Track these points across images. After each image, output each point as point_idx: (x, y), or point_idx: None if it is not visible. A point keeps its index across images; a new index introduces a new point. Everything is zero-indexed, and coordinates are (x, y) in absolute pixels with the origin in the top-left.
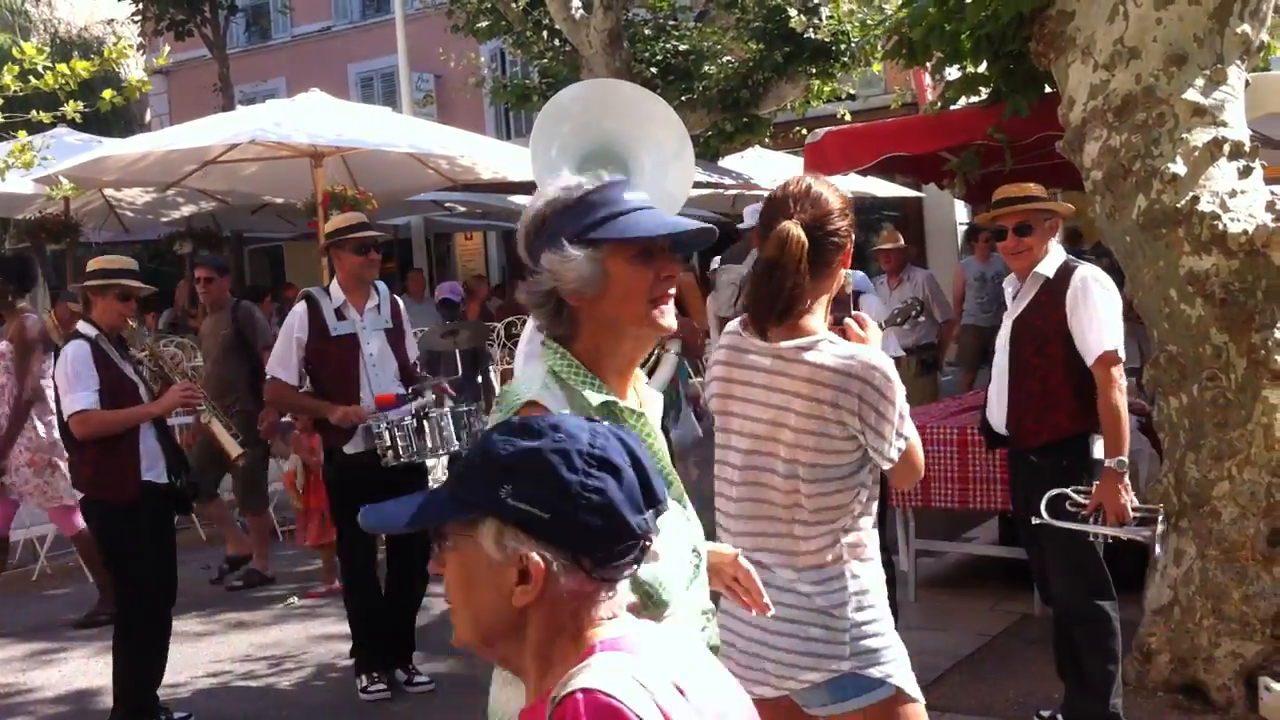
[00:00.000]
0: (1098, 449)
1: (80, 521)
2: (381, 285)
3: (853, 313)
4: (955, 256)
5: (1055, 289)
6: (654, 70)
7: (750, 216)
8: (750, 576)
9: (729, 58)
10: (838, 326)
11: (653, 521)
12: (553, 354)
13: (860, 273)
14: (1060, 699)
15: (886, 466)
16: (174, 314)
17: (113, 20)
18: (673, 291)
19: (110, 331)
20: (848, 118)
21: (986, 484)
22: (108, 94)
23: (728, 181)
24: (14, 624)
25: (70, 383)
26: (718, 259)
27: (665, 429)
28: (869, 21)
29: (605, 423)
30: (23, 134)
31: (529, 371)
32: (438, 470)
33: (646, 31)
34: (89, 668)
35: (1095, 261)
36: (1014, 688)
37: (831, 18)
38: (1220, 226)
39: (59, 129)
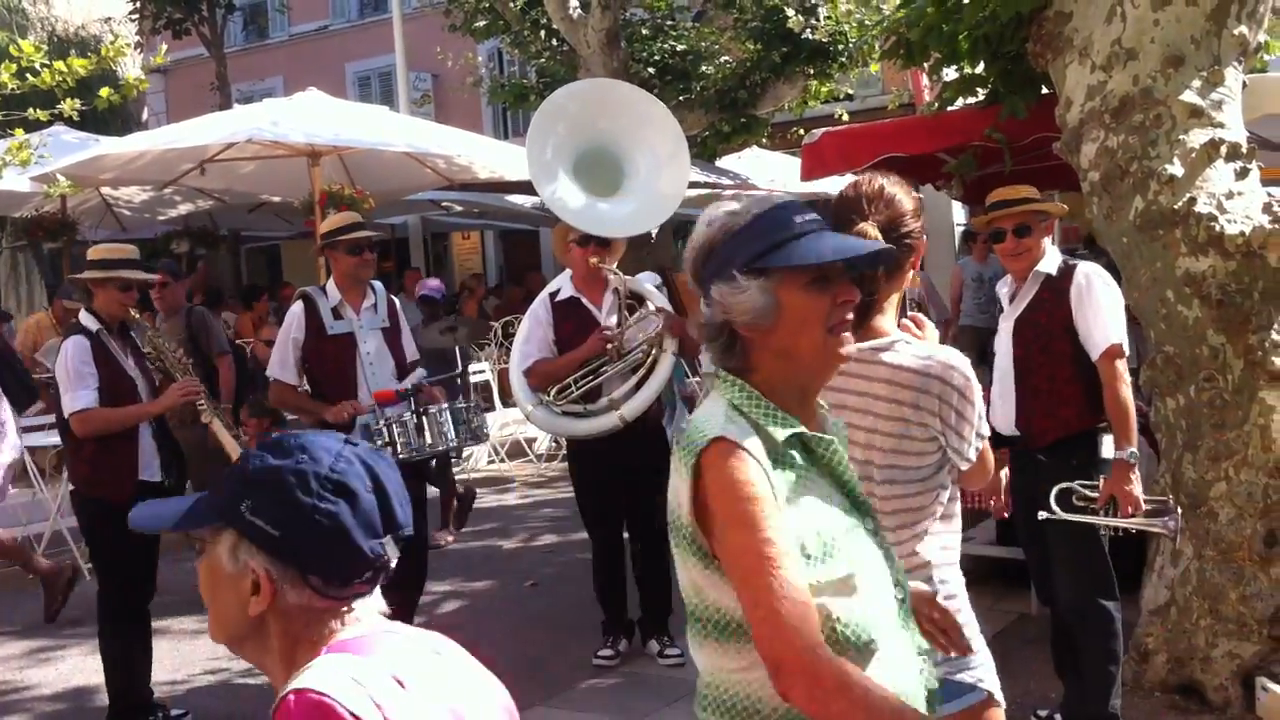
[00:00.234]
0: (1105, 447)
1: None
2: (378, 284)
3: (909, 314)
4: (953, 257)
5: (1058, 286)
6: (651, 70)
7: None
8: (949, 617)
9: (727, 58)
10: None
11: (389, 547)
12: (730, 387)
13: None
14: (1058, 699)
15: (965, 467)
16: None
17: (110, 18)
18: (850, 318)
19: (112, 322)
20: (845, 118)
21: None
22: (105, 92)
23: (725, 182)
24: (11, 622)
25: (70, 380)
26: None
27: (662, 429)
28: (867, 22)
29: (364, 446)
30: (20, 132)
31: (708, 407)
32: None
33: (644, 31)
34: (86, 665)
35: (1093, 260)
36: (1011, 687)
37: (829, 18)
38: (1217, 228)
39: (56, 127)
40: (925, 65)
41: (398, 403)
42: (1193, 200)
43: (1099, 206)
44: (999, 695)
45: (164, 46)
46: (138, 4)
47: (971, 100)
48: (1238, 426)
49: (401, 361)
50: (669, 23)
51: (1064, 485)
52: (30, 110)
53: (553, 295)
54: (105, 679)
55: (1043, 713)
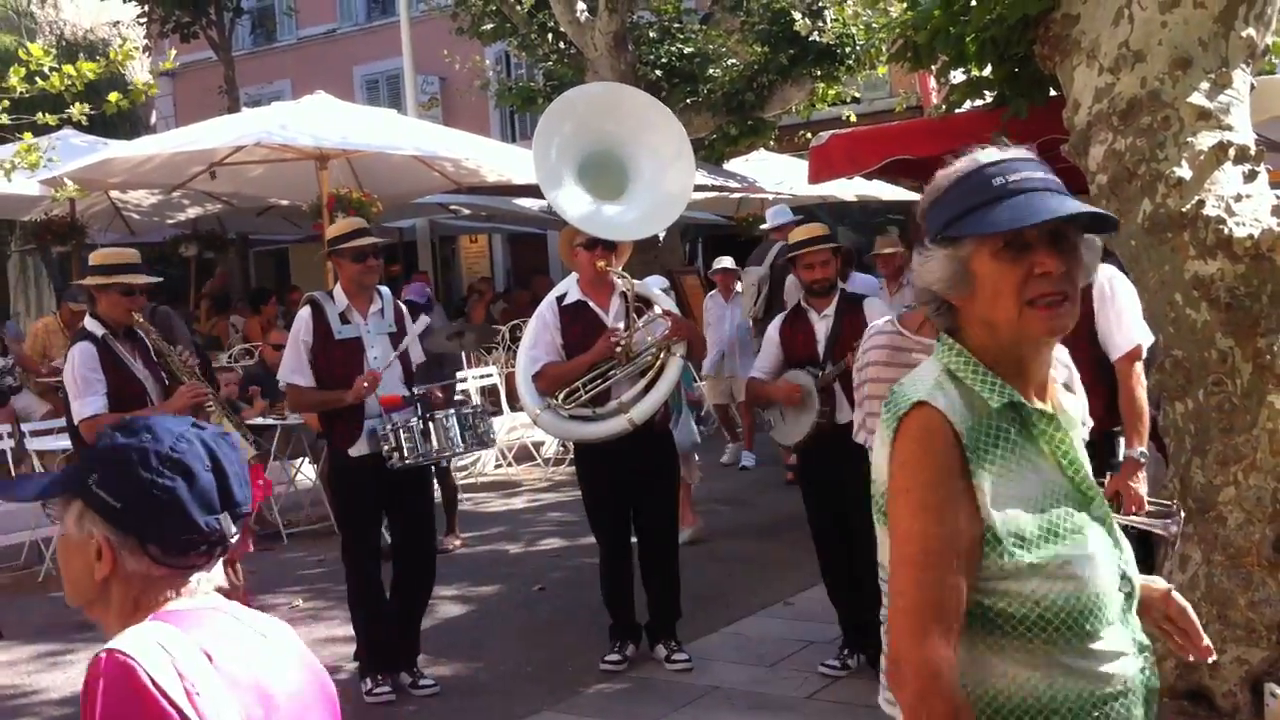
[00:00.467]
0: (1123, 450)
1: None
2: (385, 290)
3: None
4: None
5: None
6: (659, 73)
7: (773, 217)
8: (1187, 615)
9: (734, 61)
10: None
11: (227, 523)
12: (948, 350)
13: (869, 276)
14: None
15: None
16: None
17: (118, 22)
18: (1053, 290)
19: (118, 327)
20: (853, 121)
21: None
22: (114, 96)
23: (732, 184)
24: (20, 626)
25: (79, 388)
26: (726, 259)
27: (668, 433)
28: (874, 24)
29: (212, 429)
30: (29, 135)
31: (924, 369)
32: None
33: (651, 34)
34: None
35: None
36: None
37: (836, 21)
38: (1226, 231)
39: (65, 131)
40: (933, 68)
41: (404, 408)
42: (1201, 203)
43: (1107, 209)
44: None
45: (173, 52)
46: (146, 8)
47: (979, 103)
48: (1246, 430)
49: (407, 367)
50: (676, 25)
51: None
52: (39, 114)
53: (560, 299)
54: None
55: None
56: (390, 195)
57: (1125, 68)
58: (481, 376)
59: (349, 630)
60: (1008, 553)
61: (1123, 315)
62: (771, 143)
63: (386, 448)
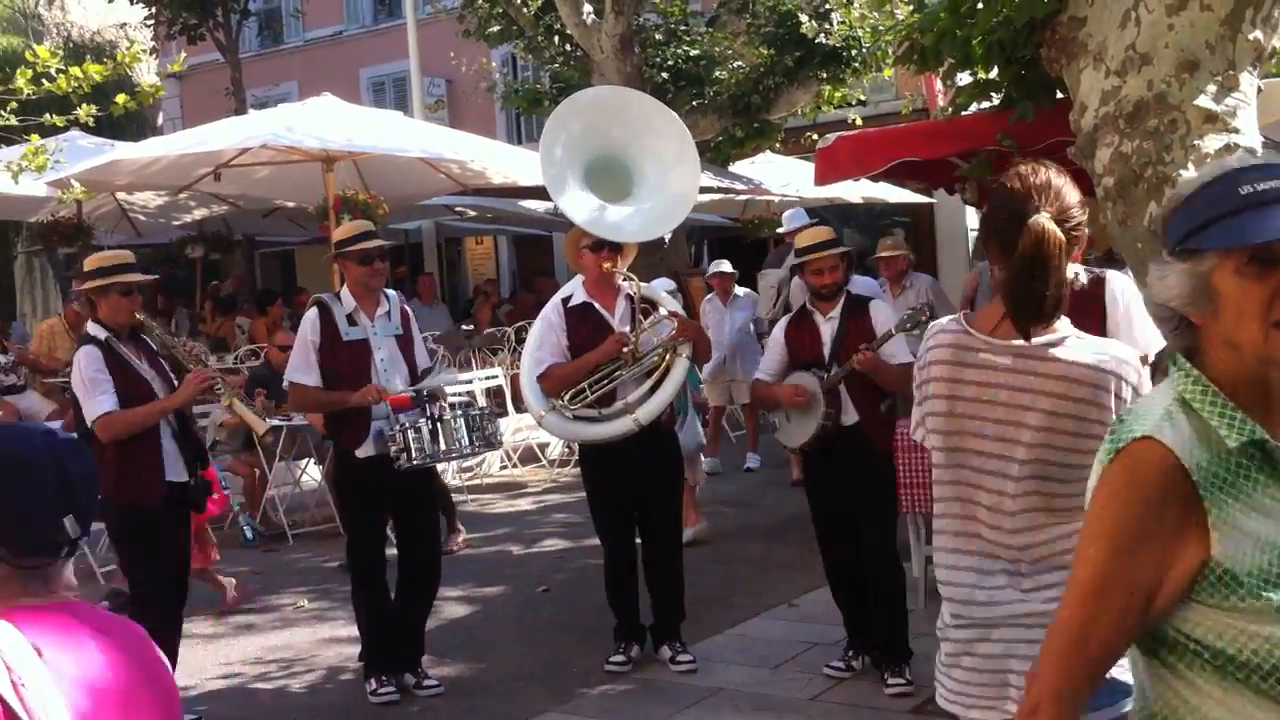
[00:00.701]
0: None
1: None
2: (391, 292)
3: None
4: (966, 262)
5: (1090, 294)
6: (665, 75)
7: (789, 220)
8: None
9: (740, 63)
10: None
11: (73, 525)
12: (1184, 377)
13: (871, 279)
14: None
15: None
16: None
17: (125, 24)
18: None
19: (120, 328)
20: (859, 123)
21: None
22: (121, 98)
23: (738, 187)
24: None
25: (88, 389)
26: (724, 262)
27: (673, 434)
28: (880, 27)
29: (61, 434)
30: (35, 137)
31: (1153, 396)
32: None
33: (658, 37)
34: None
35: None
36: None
37: (843, 23)
38: None
39: (72, 132)
40: (939, 70)
41: (412, 408)
42: None
43: (1113, 212)
44: None
45: (182, 55)
46: (153, 10)
47: (985, 105)
48: None
49: (414, 369)
50: (682, 28)
51: None
52: (46, 115)
53: (565, 301)
54: None
55: None
56: (396, 197)
57: (1132, 70)
58: (487, 378)
59: (353, 631)
60: (1251, 594)
61: (1133, 322)
62: (777, 145)
63: (394, 449)
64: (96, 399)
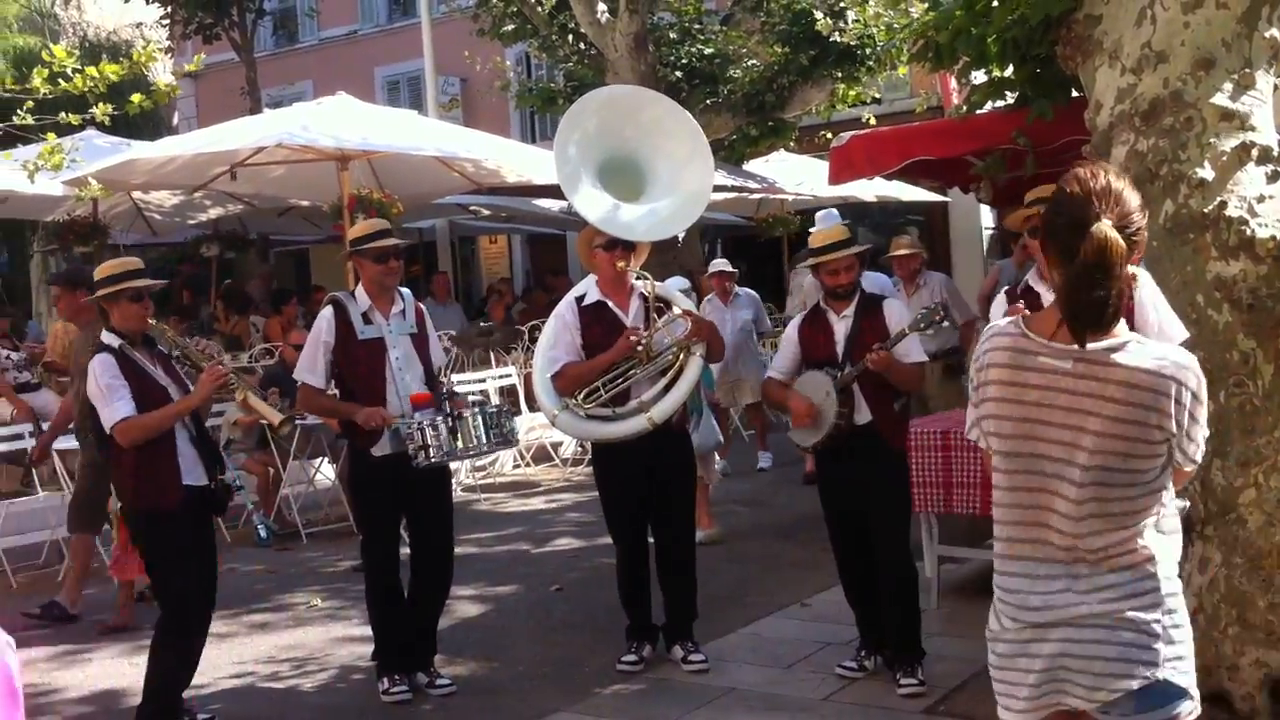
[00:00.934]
0: None
1: None
2: (406, 291)
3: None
4: (980, 261)
5: None
6: (679, 74)
7: (822, 221)
8: None
9: (754, 61)
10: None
11: None
12: None
13: (885, 277)
14: None
15: (1189, 470)
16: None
17: (141, 24)
18: None
19: (134, 335)
20: (873, 121)
21: None
22: (136, 98)
23: (752, 185)
24: (39, 624)
25: (105, 395)
26: (723, 261)
27: (686, 433)
28: (895, 25)
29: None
30: (52, 136)
31: None
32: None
33: (672, 35)
34: (114, 668)
35: None
36: None
37: (857, 21)
38: (1248, 232)
39: (88, 131)
40: (954, 68)
41: (430, 406)
42: (1223, 204)
43: None
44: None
45: (200, 55)
46: (169, 9)
47: (1000, 103)
48: (1268, 432)
49: (428, 367)
50: (696, 26)
51: None
52: (62, 115)
53: (579, 299)
54: (145, 678)
55: None
56: (410, 196)
57: (1148, 68)
58: (500, 377)
59: (366, 630)
60: None
61: (1149, 315)
62: (792, 144)
63: (412, 446)
64: (114, 405)
